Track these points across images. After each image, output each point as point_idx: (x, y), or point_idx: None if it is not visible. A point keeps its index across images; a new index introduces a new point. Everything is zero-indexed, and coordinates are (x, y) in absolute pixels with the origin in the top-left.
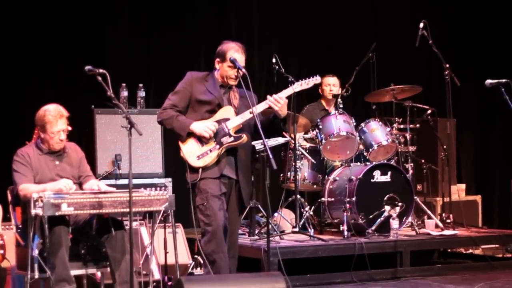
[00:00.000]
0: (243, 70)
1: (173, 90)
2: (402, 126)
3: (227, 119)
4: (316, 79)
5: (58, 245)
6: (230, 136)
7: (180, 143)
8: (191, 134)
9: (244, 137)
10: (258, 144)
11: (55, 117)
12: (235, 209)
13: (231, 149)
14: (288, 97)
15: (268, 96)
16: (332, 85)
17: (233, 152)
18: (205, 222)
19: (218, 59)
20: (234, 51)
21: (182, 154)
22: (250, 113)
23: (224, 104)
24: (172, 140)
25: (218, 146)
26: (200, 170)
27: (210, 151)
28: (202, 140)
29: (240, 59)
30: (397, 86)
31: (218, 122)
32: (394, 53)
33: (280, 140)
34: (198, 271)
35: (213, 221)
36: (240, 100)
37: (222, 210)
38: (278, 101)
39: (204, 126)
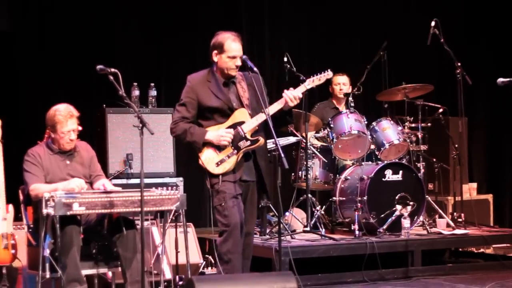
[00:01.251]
0: (255, 69)
1: (179, 100)
2: (413, 125)
3: (242, 122)
4: (328, 74)
5: (69, 245)
6: (247, 140)
7: (198, 152)
8: (207, 142)
9: (261, 140)
10: (269, 143)
11: (65, 117)
12: (252, 211)
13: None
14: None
15: (286, 92)
16: (342, 83)
17: (249, 154)
18: (222, 222)
19: (215, 51)
20: (232, 41)
21: (201, 162)
22: (263, 112)
23: (234, 102)
24: (191, 145)
25: (235, 151)
26: (220, 176)
27: (228, 157)
28: (219, 146)
29: (238, 48)
30: (409, 85)
31: (233, 126)
32: (406, 51)
33: (291, 139)
34: (209, 270)
35: (231, 221)
36: (249, 92)
37: (239, 209)
38: (295, 99)
39: (219, 136)
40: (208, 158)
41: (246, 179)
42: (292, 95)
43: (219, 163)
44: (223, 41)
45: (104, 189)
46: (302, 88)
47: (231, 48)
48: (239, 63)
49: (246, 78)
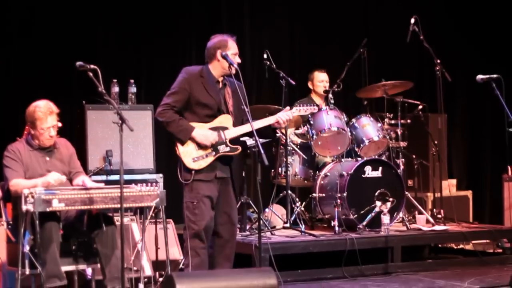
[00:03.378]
0: (235, 65)
1: (171, 88)
2: (393, 122)
3: (225, 128)
4: (314, 108)
5: (49, 241)
6: (227, 145)
7: (177, 142)
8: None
9: (240, 149)
10: (249, 140)
11: (45, 114)
12: (233, 201)
13: None
14: (279, 93)
15: (280, 115)
16: (325, 81)
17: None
18: (190, 219)
19: (220, 50)
20: (233, 40)
21: (178, 153)
22: (246, 121)
23: (223, 103)
24: (163, 136)
25: (214, 153)
26: (193, 171)
27: (206, 156)
28: (199, 144)
29: (236, 50)
30: (388, 82)
31: (216, 129)
32: (385, 48)
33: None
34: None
35: (199, 221)
36: (233, 98)
37: (210, 212)
38: (285, 122)
39: (205, 137)
40: (187, 152)
41: (221, 176)
42: (285, 118)
43: (196, 159)
44: (227, 39)
45: (83, 185)
46: (288, 114)
47: (233, 46)
48: (238, 60)
49: (231, 84)
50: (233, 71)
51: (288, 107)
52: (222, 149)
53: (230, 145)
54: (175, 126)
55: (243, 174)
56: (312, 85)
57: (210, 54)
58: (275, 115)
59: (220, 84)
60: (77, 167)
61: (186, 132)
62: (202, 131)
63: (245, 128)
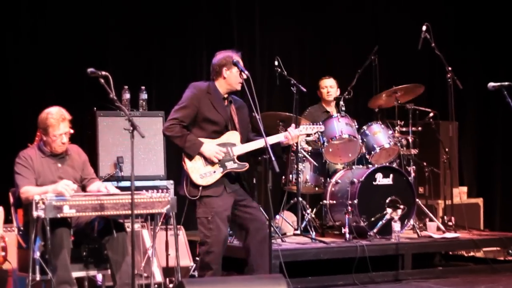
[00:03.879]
0: (246, 72)
1: (180, 103)
2: (404, 129)
3: (233, 144)
4: (320, 127)
5: (59, 247)
6: (235, 162)
7: (185, 157)
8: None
9: (247, 166)
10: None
11: (57, 120)
12: (251, 202)
13: None
14: (290, 100)
15: (290, 131)
16: (329, 86)
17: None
18: (205, 234)
19: (225, 68)
20: (237, 55)
21: (185, 168)
22: (254, 138)
23: (229, 123)
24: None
25: (221, 170)
26: (201, 188)
27: (214, 172)
28: (207, 160)
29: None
30: (400, 87)
31: (224, 145)
32: (396, 55)
33: None
34: None
35: (215, 236)
36: (238, 115)
37: (225, 226)
38: (295, 138)
39: (213, 152)
40: (194, 167)
41: (233, 190)
42: (294, 135)
43: (203, 175)
44: (230, 56)
45: (107, 191)
46: (296, 131)
47: (240, 62)
48: (244, 76)
49: (235, 101)
50: (244, 77)
51: (293, 125)
52: (230, 165)
53: (238, 162)
54: (183, 141)
55: (254, 181)
56: (320, 92)
57: (215, 71)
58: (283, 133)
59: (226, 101)
60: (91, 174)
61: (195, 147)
62: (210, 147)
63: (254, 145)
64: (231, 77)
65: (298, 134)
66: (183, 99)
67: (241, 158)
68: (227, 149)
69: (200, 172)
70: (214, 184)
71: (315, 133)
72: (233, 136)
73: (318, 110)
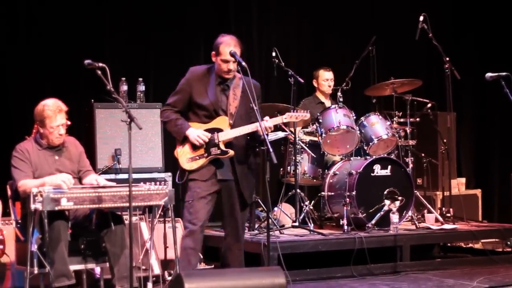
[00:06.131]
0: (243, 63)
1: (176, 88)
2: (402, 120)
3: (220, 130)
4: (306, 116)
5: (57, 240)
6: (219, 148)
7: (177, 142)
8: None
9: (231, 153)
10: (278, 134)
11: (54, 112)
12: (237, 205)
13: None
14: (288, 91)
15: (260, 123)
16: (330, 79)
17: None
18: (186, 218)
19: (213, 52)
20: (225, 45)
21: (175, 153)
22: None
23: (222, 106)
24: (171, 134)
25: (206, 155)
26: (187, 172)
27: (199, 157)
28: (194, 145)
29: (227, 57)
30: (397, 80)
31: (211, 130)
32: (394, 46)
33: (279, 134)
34: (199, 265)
35: (194, 220)
36: (240, 100)
37: (206, 211)
38: (266, 130)
39: (196, 135)
40: (183, 152)
41: (223, 178)
42: (264, 126)
43: (190, 159)
44: (219, 44)
45: (97, 184)
46: (278, 120)
47: (224, 51)
48: (231, 67)
49: (243, 85)
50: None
51: (267, 117)
52: (214, 151)
53: (222, 148)
54: (172, 125)
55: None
56: (317, 83)
57: (211, 54)
58: (255, 123)
59: (224, 86)
60: (87, 166)
61: (181, 131)
62: (195, 131)
63: (241, 130)
64: (217, 64)
65: (270, 125)
66: (179, 83)
67: (234, 146)
68: (212, 135)
69: (187, 156)
70: (201, 168)
71: (298, 121)
72: (221, 121)
73: (312, 101)
